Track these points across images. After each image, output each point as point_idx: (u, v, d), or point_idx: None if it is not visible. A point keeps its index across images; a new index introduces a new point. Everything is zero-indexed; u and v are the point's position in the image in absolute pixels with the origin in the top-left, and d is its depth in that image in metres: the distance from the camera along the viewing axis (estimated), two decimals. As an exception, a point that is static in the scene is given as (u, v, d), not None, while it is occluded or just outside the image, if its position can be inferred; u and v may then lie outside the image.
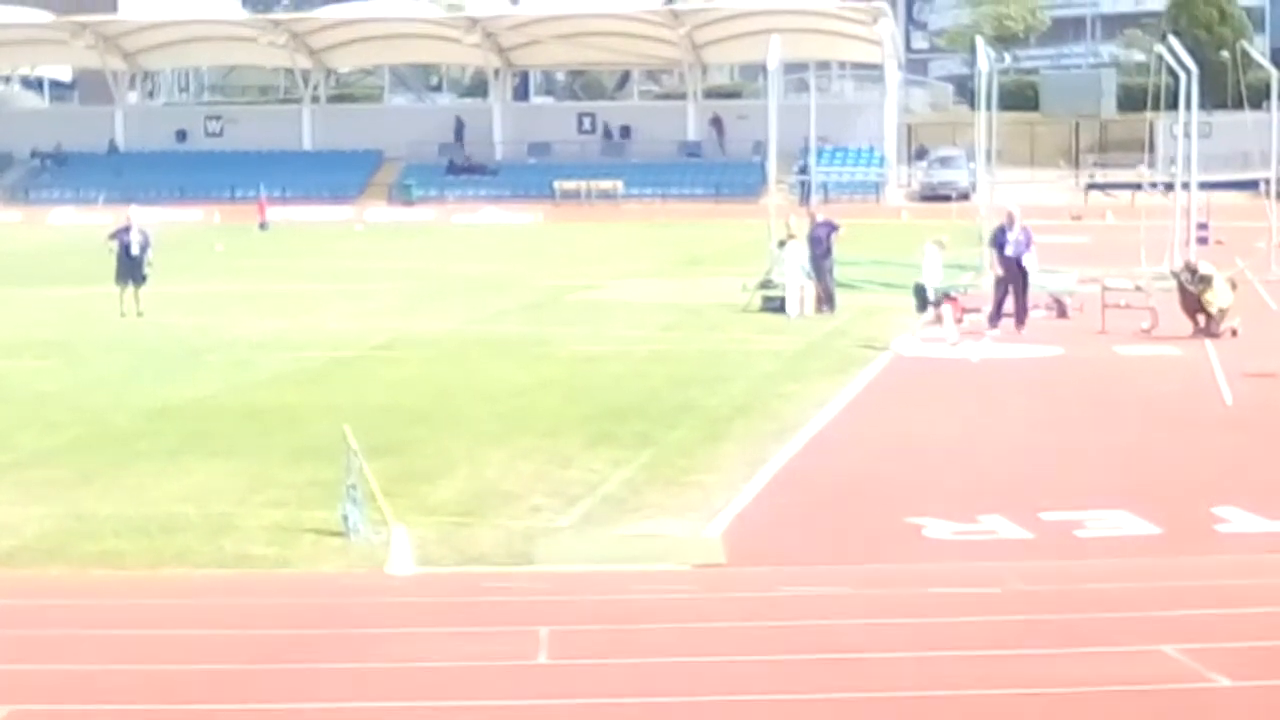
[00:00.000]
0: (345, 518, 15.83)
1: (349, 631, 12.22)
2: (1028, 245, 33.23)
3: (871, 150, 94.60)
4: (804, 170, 77.77)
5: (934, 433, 22.27)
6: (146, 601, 13.67)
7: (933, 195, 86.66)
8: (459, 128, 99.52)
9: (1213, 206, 55.05)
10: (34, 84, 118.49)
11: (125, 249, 37.80)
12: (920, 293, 34.72)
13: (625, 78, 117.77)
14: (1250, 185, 71.93)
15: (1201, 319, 32.19)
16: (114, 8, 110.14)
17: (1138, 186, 71.96)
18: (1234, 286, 33.67)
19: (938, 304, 31.88)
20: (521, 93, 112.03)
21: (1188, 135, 48.66)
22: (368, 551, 15.24)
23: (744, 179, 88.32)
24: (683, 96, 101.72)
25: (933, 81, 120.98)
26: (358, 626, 12.42)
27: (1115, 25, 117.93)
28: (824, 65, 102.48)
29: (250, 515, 16.93)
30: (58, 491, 18.21)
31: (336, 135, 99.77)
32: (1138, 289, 35.39)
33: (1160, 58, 50.26)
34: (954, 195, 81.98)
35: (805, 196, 70.36)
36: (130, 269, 37.59)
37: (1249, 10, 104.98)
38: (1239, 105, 69.94)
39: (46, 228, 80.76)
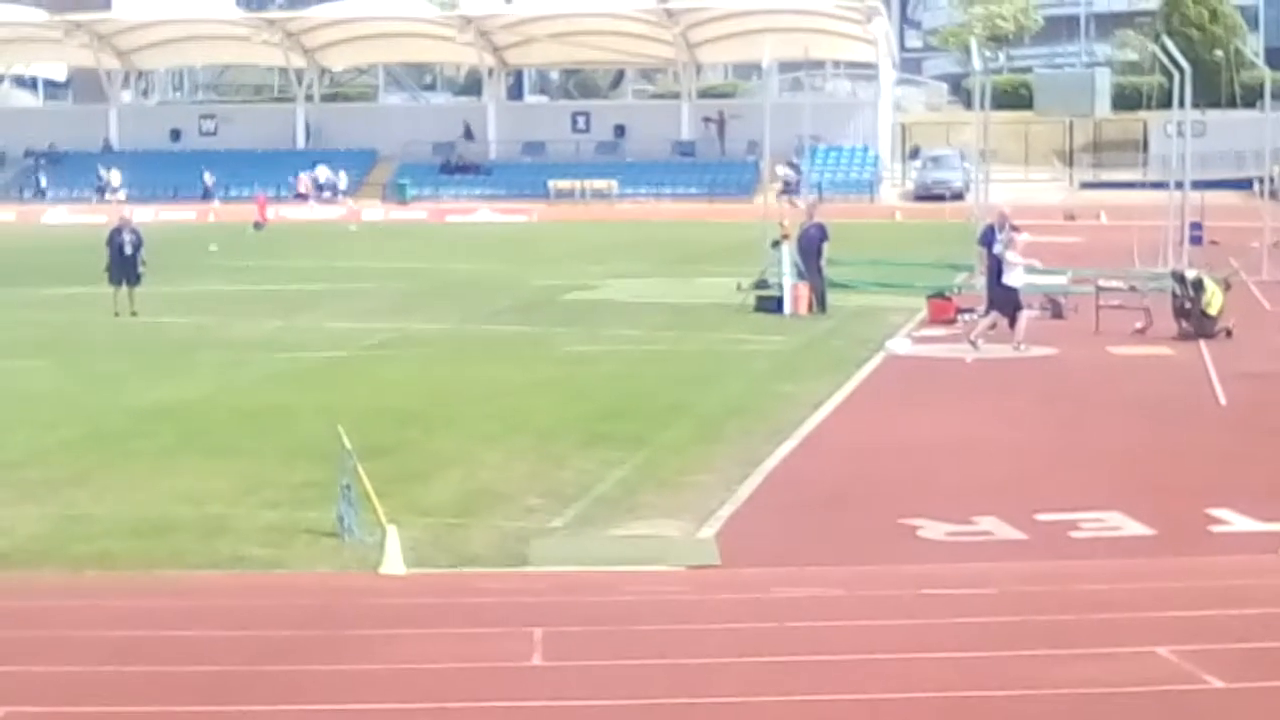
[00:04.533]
0: (340, 518, 15.82)
1: (343, 633, 12.21)
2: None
3: (865, 149, 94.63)
4: (793, 167, 77.74)
5: (928, 433, 22.27)
6: (140, 602, 13.66)
7: (926, 195, 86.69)
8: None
9: (1207, 206, 55.06)
10: (28, 83, 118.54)
11: (119, 249, 37.80)
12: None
13: (619, 77, 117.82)
14: (1244, 185, 72.01)
15: (1186, 324, 32.16)
16: (108, 6, 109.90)
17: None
18: (1227, 287, 33.72)
19: (1016, 308, 30.82)
20: (516, 92, 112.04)
21: (1181, 134, 48.77)
22: (362, 552, 15.23)
23: (739, 178, 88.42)
24: (677, 96, 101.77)
25: (927, 80, 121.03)
26: (352, 627, 12.41)
27: (1108, 24, 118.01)
28: (818, 64, 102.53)
29: (244, 516, 16.92)
30: (51, 491, 18.20)
31: (331, 134, 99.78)
32: (1132, 289, 35.42)
33: (1154, 57, 50.32)
34: (948, 195, 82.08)
35: (794, 193, 70.24)
36: (124, 269, 37.57)
37: (1243, 9, 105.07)
38: (1233, 104, 70.14)
39: (40, 227, 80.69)
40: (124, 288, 37.33)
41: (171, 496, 17.91)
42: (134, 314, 36.71)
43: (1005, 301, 30.92)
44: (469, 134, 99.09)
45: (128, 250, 37.75)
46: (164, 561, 15.21)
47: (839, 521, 17.13)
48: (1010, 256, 30.96)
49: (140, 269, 37.75)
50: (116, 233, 38.30)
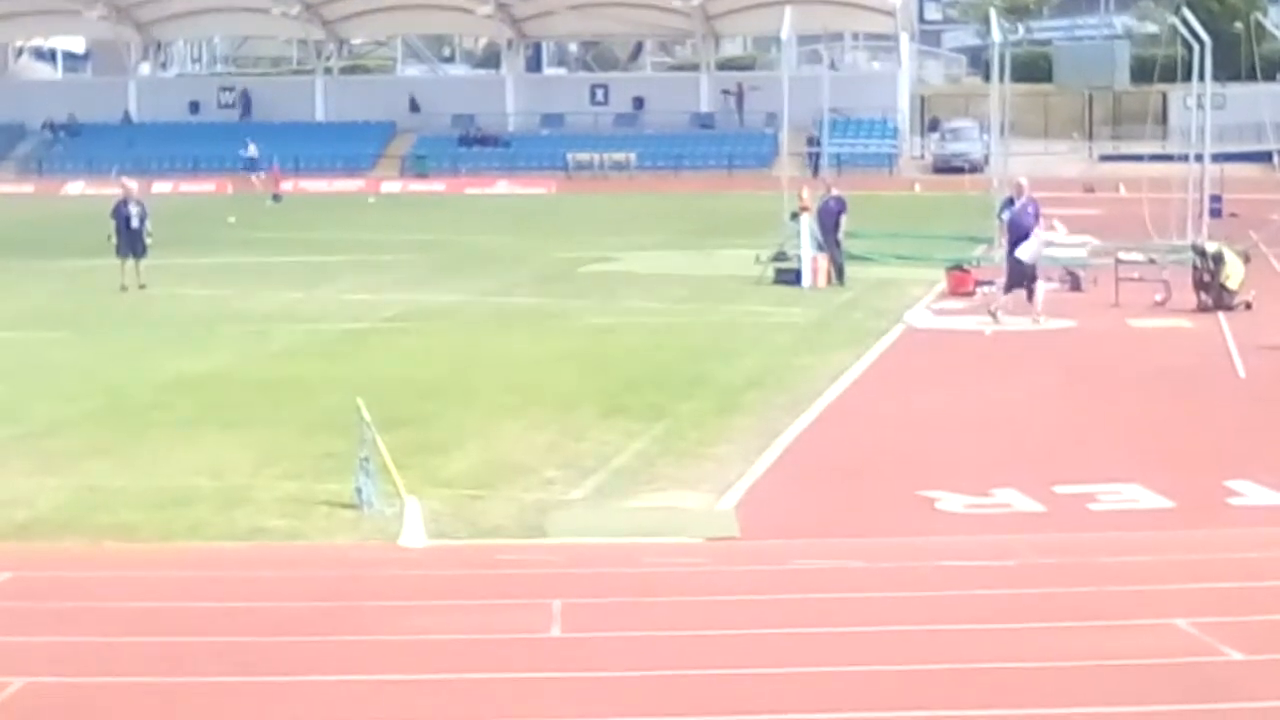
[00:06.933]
0: (358, 490, 15.85)
1: (362, 604, 12.25)
2: (1036, 218, 33.01)
3: (885, 122, 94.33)
4: (813, 142, 77.63)
5: (947, 405, 22.26)
6: (160, 574, 13.70)
7: (946, 167, 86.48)
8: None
9: (1226, 179, 54.90)
10: (47, 55, 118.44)
11: (125, 221, 37.63)
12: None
13: (638, 49, 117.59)
14: (1264, 157, 71.79)
15: (1206, 296, 32.09)
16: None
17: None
18: (1246, 259, 33.64)
19: (1031, 280, 30.76)
20: (534, 64, 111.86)
21: (1201, 107, 48.59)
22: (381, 524, 15.26)
23: (757, 150, 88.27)
24: (695, 68, 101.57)
25: (946, 52, 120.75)
26: (371, 599, 12.45)
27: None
28: (837, 36, 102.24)
29: (263, 487, 16.95)
30: (71, 463, 18.25)
31: (349, 107, 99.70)
32: (1151, 262, 35.35)
33: (1174, 29, 50.11)
34: (967, 167, 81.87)
35: (815, 168, 70.16)
36: (131, 241, 37.43)
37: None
38: (1253, 77, 69.85)
39: (60, 199, 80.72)
40: (131, 260, 37.25)
41: (191, 468, 17.95)
42: (142, 286, 36.62)
43: (1017, 274, 30.85)
44: (415, 106, 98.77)
45: (134, 223, 37.59)
46: (183, 533, 15.25)
47: (858, 493, 17.14)
48: (1037, 230, 30.88)
49: (147, 240, 37.61)
50: (122, 205, 38.10)
